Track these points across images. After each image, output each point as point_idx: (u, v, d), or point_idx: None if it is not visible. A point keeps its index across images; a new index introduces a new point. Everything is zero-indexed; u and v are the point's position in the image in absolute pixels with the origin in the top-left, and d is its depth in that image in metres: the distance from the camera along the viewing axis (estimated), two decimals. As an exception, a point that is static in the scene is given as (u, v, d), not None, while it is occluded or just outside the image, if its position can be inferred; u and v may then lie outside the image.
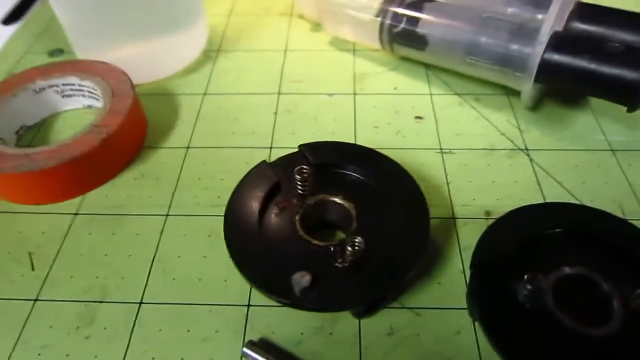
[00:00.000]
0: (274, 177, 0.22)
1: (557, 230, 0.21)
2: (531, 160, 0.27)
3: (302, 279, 0.18)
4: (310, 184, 0.22)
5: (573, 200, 0.25)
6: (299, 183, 0.22)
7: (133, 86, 0.28)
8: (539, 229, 0.21)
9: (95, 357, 0.19)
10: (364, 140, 0.28)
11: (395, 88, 0.31)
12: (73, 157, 0.24)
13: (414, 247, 0.20)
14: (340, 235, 0.23)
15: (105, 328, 0.20)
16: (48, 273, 0.22)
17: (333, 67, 0.33)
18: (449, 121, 0.29)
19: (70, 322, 0.21)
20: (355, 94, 0.31)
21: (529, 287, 0.18)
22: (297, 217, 0.21)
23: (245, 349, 0.19)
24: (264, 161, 0.23)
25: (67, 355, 0.20)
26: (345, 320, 0.20)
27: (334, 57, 0.34)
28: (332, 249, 0.20)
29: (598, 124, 0.28)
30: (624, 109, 0.25)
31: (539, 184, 0.25)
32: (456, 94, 0.30)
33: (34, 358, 0.19)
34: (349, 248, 0.19)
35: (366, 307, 0.20)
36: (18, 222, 0.24)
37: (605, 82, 0.24)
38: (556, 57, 0.25)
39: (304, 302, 0.18)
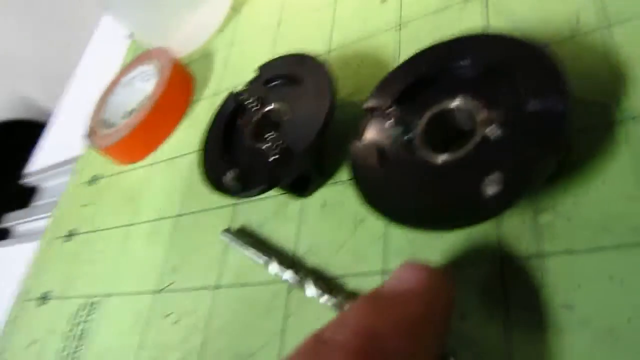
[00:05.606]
0: (234, 102, 0.28)
1: (446, 65, 0.21)
2: (486, 2, 0.25)
3: (229, 175, 0.24)
4: (258, 99, 0.27)
5: (520, 28, 0.23)
6: (246, 102, 0.27)
7: (171, 59, 0.36)
8: (429, 68, 0.21)
9: (155, 254, 0.29)
10: (337, 41, 0.30)
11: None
12: (136, 124, 0.34)
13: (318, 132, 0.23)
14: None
15: (161, 235, 0.30)
16: (138, 206, 0.33)
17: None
18: (411, -8, 0.28)
19: (145, 234, 0.31)
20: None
21: (389, 122, 0.20)
22: (250, 129, 0.26)
23: (221, 235, 0.26)
24: (231, 92, 0.29)
25: (143, 255, 0.30)
26: (293, 203, 0.25)
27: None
28: (264, 147, 0.24)
29: None
30: None
31: (488, 24, 0.24)
32: (422, -42, 0.29)
33: (128, 260, 0.31)
34: (268, 144, 0.24)
35: (292, 186, 0.24)
36: (124, 177, 0.36)
37: None
38: None
39: (236, 193, 0.24)
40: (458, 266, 0.18)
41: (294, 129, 0.24)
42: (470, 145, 0.18)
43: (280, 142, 0.24)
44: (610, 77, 0.19)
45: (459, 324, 0.17)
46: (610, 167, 0.17)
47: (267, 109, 0.27)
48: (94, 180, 0.38)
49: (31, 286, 0.35)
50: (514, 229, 0.18)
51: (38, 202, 0.47)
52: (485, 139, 0.18)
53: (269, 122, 0.27)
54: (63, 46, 0.82)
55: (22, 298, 0.35)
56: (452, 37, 0.21)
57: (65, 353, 0.29)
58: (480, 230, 0.18)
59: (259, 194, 0.24)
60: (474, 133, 0.19)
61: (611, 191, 0.16)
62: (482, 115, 0.19)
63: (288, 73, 0.27)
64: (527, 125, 0.17)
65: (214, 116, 0.29)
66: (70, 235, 0.36)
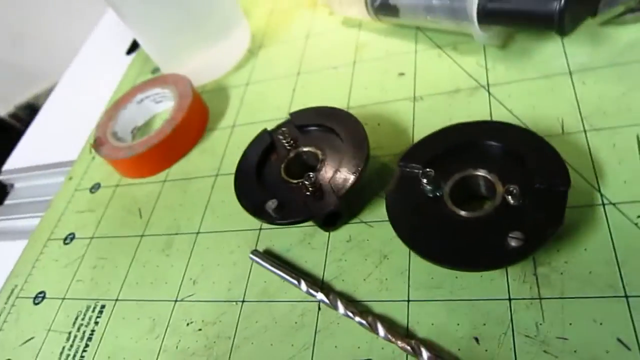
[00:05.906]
0: (269, 139, 0.32)
1: (472, 141, 0.26)
2: (489, 94, 0.31)
3: (272, 204, 0.27)
4: (292, 140, 0.31)
5: (518, 123, 0.29)
6: (283, 141, 0.31)
7: (192, 87, 0.39)
8: (457, 141, 0.27)
9: (172, 266, 0.31)
10: (355, 100, 0.35)
11: (387, 51, 0.37)
12: (155, 143, 0.36)
13: (356, 178, 0.27)
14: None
15: (177, 249, 0.32)
16: (149, 219, 0.35)
17: (342, 42, 0.40)
18: (426, 72, 0.34)
19: (159, 246, 0.33)
20: (355, 62, 0.38)
21: (424, 180, 0.24)
22: (283, 165, 0.30)
23: (250, 255, 0.29)
24: (265, 129, 0.32)
25: (157, 266, 0.32)
26: (319, 234, 0.29)
27: (343, 33, 0.41)
28: (300, 183, 0.28)
29: (564, 49, 0.31)
30: (596, 28, 0.29)
31: (490, 114, 0.30)
32: (437, 46, 0.35)
33: (140, 269, 0.32)
34: (306, 182, 0.27)
35: (324, 220, 0.28)
36: (131, 189, 0.38)
37: (529, 17, 0.27)
38: (488, 4, 0.29)
39: (274, 220, 0.27)
40: (474, 299, 0.23)
41: (329, 172, 0.28)
42: (490, 207, 0.24)
43: (316, 181, 0.28)
44: (591, 170, 0.25)
45: (474, 348, 0.22)
46: (591, 238, 0.23)
47: (300, 149, 0.31)
48: (95, 188, 0.39)
49: (24, 284, 0.35)
50: (518, 276, 0.23)
51: (9, 201, 0.46)
52: (503, 203, 0.23)
53: (302, 161, 0.31)
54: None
55: (13, 295, 0.34)
56: (479, 120, 0.27)
57: (69, 352, 0.29)
58: (491, 274, 0.23)
59: (295, 224, 0.27)
60: (493, 198, 0.24)
61: (592, 256, 0.22)
62: (499, 184, 0.24)
63: (322, 122, 0.31)
64: (537, 197, 0.23)
65: (246, 148, 0.32)
66: (69, 238, 0.36)
